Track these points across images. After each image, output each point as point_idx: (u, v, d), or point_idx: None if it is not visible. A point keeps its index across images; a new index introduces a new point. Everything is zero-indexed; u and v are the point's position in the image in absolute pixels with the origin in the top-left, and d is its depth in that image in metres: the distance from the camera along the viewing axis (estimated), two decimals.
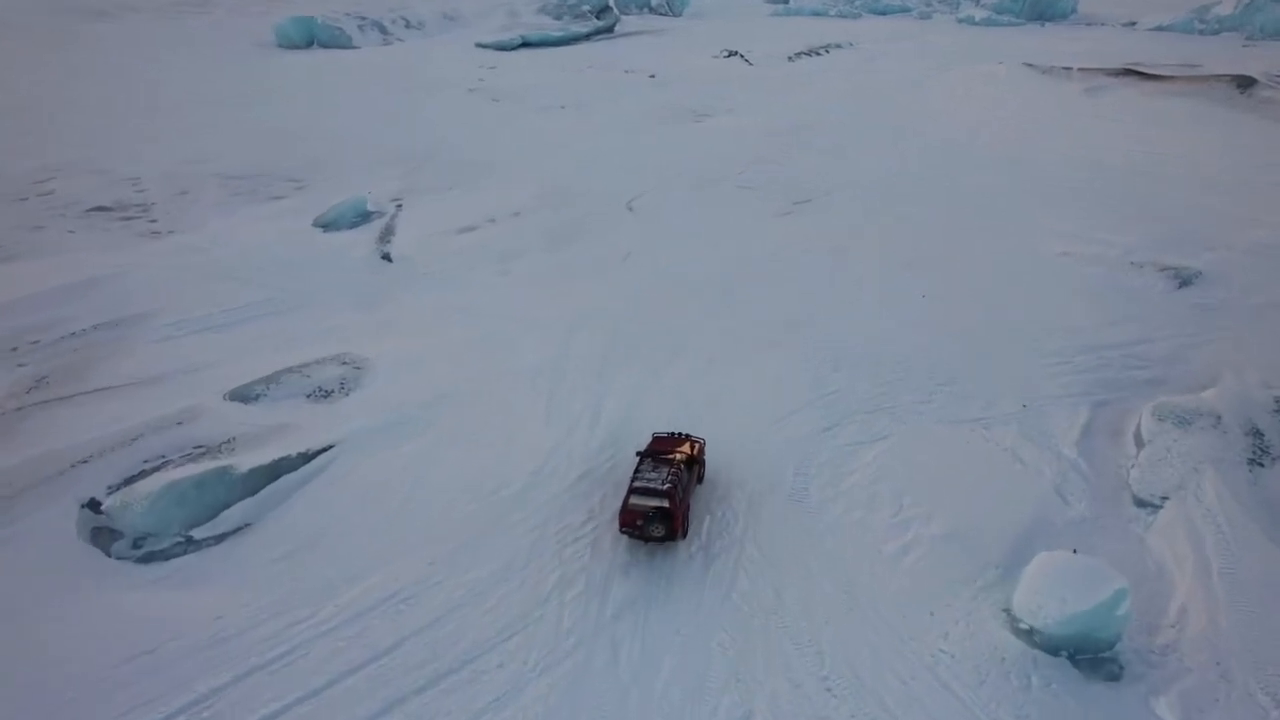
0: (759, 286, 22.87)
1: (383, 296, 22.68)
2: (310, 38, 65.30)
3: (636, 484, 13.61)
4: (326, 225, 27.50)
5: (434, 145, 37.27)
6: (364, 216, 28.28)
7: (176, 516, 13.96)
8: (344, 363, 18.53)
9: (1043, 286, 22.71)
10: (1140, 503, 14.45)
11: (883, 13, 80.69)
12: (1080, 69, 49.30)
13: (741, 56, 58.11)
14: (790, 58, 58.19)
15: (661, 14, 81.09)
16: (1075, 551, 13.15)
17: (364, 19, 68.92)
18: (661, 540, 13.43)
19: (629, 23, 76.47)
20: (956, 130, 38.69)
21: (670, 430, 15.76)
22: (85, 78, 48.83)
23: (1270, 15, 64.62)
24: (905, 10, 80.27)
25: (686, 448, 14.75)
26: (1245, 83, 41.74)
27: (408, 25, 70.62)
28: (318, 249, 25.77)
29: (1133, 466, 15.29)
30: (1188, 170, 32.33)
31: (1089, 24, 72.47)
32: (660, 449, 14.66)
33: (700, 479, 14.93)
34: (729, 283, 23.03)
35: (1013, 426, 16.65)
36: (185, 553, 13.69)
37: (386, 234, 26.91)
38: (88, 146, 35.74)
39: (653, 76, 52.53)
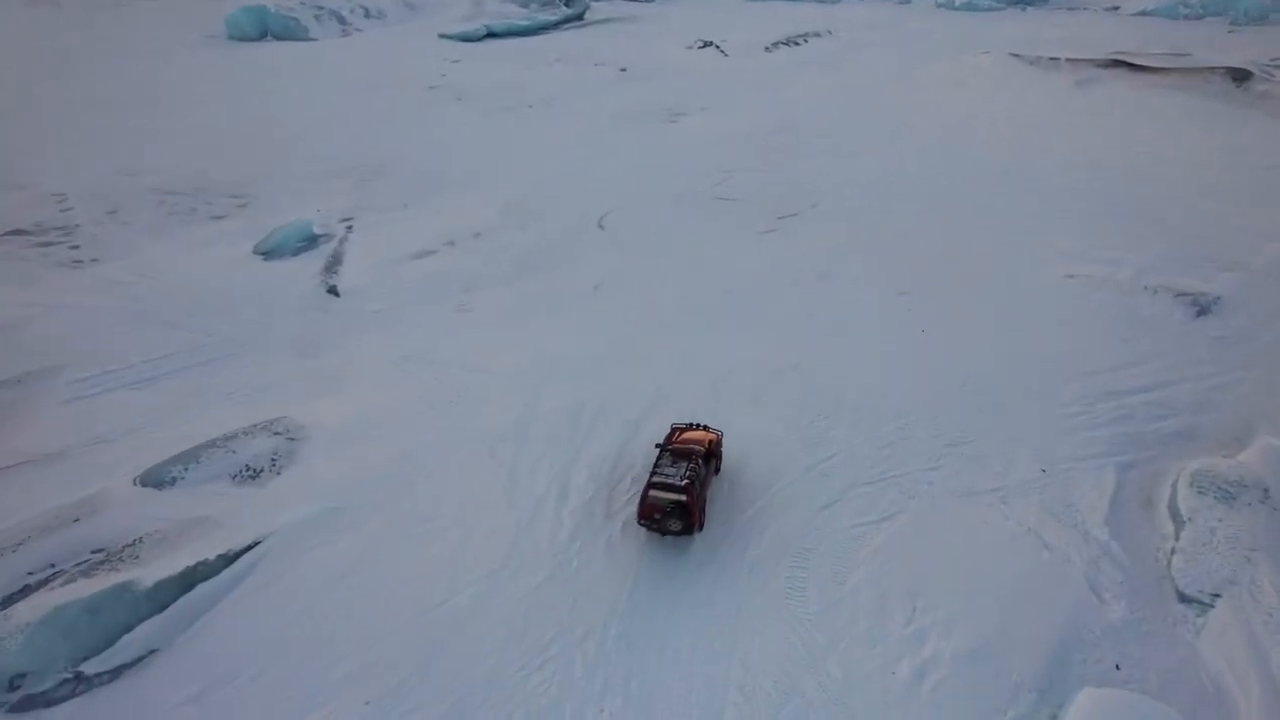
0: (741, 322, 20.79)
1: (326, 341, 20.34)
2: (263, 29, 62.01)
3: (655, 478, 13.83)
4: (269, 252, 25.01)
5: (391, 153, 34.72)
6: (310, 241, 25.82)
7: (62, 649, 11.72)
8: (276, 432, 16.23)
9: (1051, 318, 20.84)
10: (1186, 599, 12.65)
11: None
12: (1068, 59, 47.50)
13: (716, 47, 55.72)
14: (767, 48, 55.87)
15: (633, 0, 78.22)
16: (1118, 668, 11.37)
17: (321, 8, 65.63)
18: (679, 534, 13.63)
19: (599, 9, 73.65)
20: (945, 130, 36.72)
21: (689, 421, 16.06)
22: (10, 72, 45.52)
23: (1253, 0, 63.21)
24: None
25: (704, 440, 14.84)
26: (1240, 75, 40.14)
27: (368, 14, 67.39)
28: (257, 282, 23.31)
29: (1173, 551, 13.49)
30: (1191, 173, 30.62)
31: (1071, 8, 70.72)
32: (679, 442, 14.78)
33: (717, 470, 15.20)
34: (708, 319, 20.93)
35: (1033, 498, 14.78)
36: (73, 694, 11.47)
37: (334, 262, 24.49)
38: (8, 155, 32.81)
39: (624, 70, 50.04)
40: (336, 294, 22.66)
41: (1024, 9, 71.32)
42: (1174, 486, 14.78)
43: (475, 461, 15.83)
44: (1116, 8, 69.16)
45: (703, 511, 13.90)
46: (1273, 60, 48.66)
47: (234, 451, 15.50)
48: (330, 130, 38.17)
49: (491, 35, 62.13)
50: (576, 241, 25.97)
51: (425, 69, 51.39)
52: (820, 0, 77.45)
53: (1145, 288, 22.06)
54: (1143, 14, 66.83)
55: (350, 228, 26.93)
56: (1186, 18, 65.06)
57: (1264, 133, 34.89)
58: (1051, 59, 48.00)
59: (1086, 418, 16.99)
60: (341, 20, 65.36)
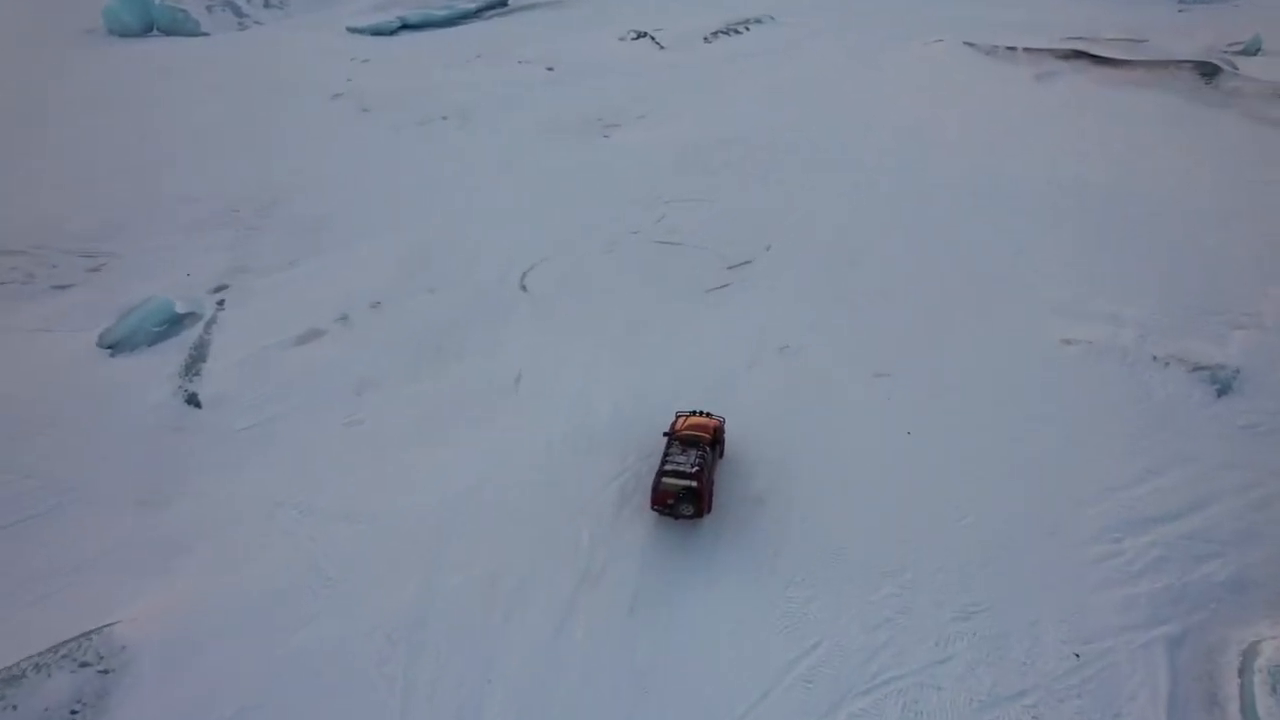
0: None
1: (178, 481, 16.20)
2: (148, 22, 55.46)
3: (667, 466, 14.55)
4: (117, 344, 20.49)
5: (284, 184, 30.02)
6: (171, 324, 21.34)
7: None
8: (84, 662, 12.18)
9: (1053, 405, 17.78)
10: None
11: None
12: (1026, 49, 44.60)
13: (652, 38, 51.40)
14: (706, 38, 51.71)
15: None
16: None
17: None
18: (690, 518, 14.36)
19: None
20: (906, 139, 33.35)
21: (692, 409, 16.78)
22: None
23: None
24: None
25: (709, 426, 15.57)
26: (1208, 70, 37.67)
27: (267, 4, 61.07)
28: (98, 390, 18.89)
29: None
30: (1175, 192, 27.87)
31: None
32: (686, 429, 15.48)
33: (721, 454, 15.93)
34: (651, 424, 17.30)
35: (1071, 705, 11.66)
36: None
37: (197, 357, 20.11)
38: None
39: (551, 70, 45.49)
40: (198, 404, 18.40)
41: None
42: (1244, 680, 11.80)
43: (358, 684, 12.05)
44: None
45: (711, 495, 14.66)
46: (1229, 45, 46.70)
47: (15, 707, 11.41)
48: (214, 155, 33.14)
49: (406, 27, 56.62)
50: (495, 309, 22.00)
51: (330, 71, 46.05)
52: None
53: (1154, 358, 19.13)
54: None
55: (222, 302, 22.45)
56: None
57: (1241, 138, 32.39)
58: (1009, 48, 45.07)
59: (1117, 564, 13.94)
60: (238, 12, 59.04)
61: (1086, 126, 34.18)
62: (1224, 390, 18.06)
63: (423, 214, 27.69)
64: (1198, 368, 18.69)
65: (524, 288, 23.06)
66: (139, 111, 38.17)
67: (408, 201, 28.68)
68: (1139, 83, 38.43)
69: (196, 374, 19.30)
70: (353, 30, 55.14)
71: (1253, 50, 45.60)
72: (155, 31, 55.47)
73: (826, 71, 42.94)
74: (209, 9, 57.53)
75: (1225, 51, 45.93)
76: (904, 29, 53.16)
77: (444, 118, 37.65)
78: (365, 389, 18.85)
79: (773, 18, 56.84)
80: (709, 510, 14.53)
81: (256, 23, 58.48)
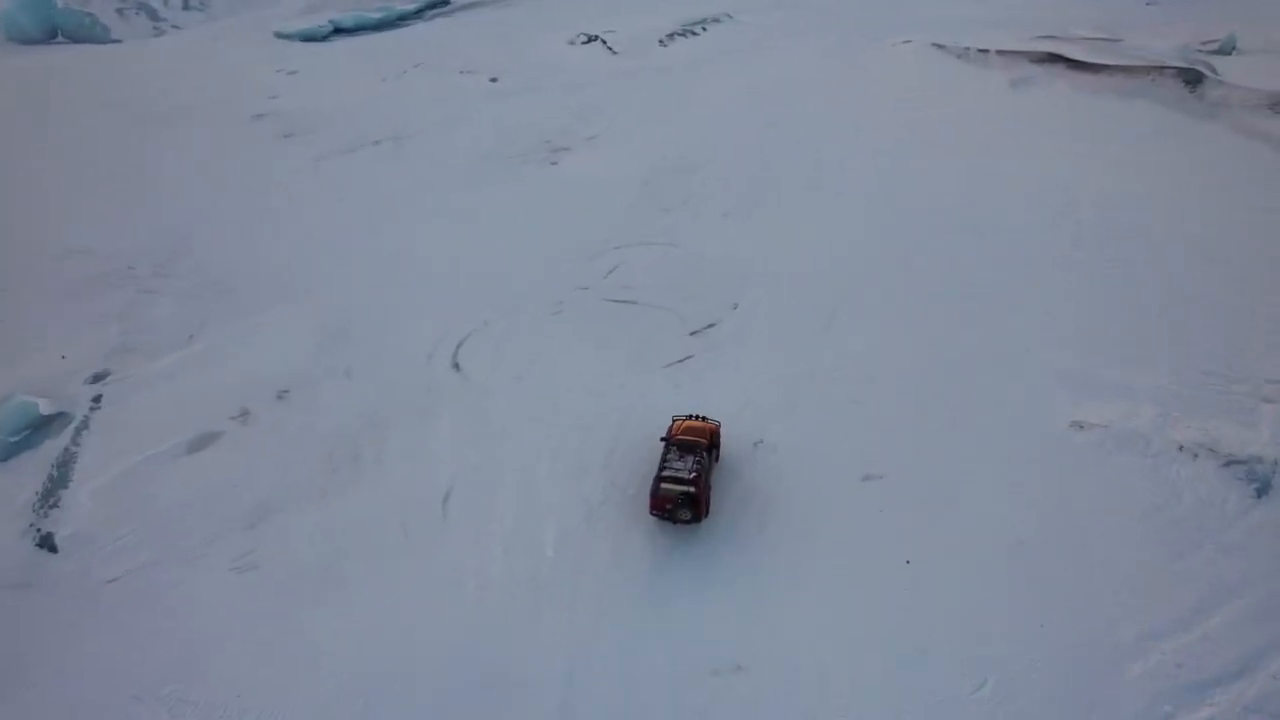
0: (654, 559, 14.47)
1: (20, 664, 12.99)
2: (50, 27, 50.70)
3: (665, 472, 14.62)
4: None
5: (186, 236, 26.49)
6: (34, 430, 17.95)
7: None
8: None
9: (1071, 518, 15.30)
10: None
11: None
12: (998, 52, 42.15)
13: (603, 42, 48.06)
14: (661, 41, 48.50)
15: None
16: None
17: (126, 0, 54.49)
18: (688, 523, 14.42)
19: None
20: (881, 160, 30.67)
21: (688, 414, 16.72)
22: None
23: None
24: None
25: (706, 431, 15.69)
26: (1192, 77, 35.56)
27: (186, 6, 56.57)
28: None
29: None
30: (1174, 223, 25.58)
31: None
32: (682, 434, 15.58)
33: (717, 459, 15.94)
34: (611, 569, 14.48)
35: None
36: None
37: (60, 476, 16.80)
38: None
39: (494, 80, 42.06)
40: (52, 548, 15.13)
41: None
42: None
43: None
44: None
45: (708, 499, 14.82)
46: (1204, 44, 44.85)
47: None
48: (111, 193, 29.37)
49: (339, 31, 52.54)
50: (422, 398, 18.95)
51: (252, 85, 42.06)
52: None
53: (1181, 448, 16.73)
54: None
55: (99, 398, 19.05)
56: None
57: (1235, 157, 30.27)
58: (980, 51, 42.58)
59: None
60: (153, 15, 54.52)
61: (1069, 143, 31.81)
62: (1263, 489, 15.74)
63: (344, 269, 24.42)
64: (1231, 461, 16.33)
65: (456, 366, 20.00)
66: (23, 138, 34.07)
67: (328, 254, 25.35)
68: (1119, 90, 36.22)
69: (54, 504, 16.02)
70: (281, 36, 50.96)
71: (1228, 49, 43.78)
72: (60, 38, 50.79)
73: (789, 81, 40.06)
74: (120, 12, 53.09)
75: (1200, 50, 44.09)
76: (869, 27, 50.54)
77: (375, 143, 34.15)
78: (262, 516, 15.74)
79: (730, 16, 53.81)
80: (707, 514, 14.87)
81: (175, 27, 54.11)
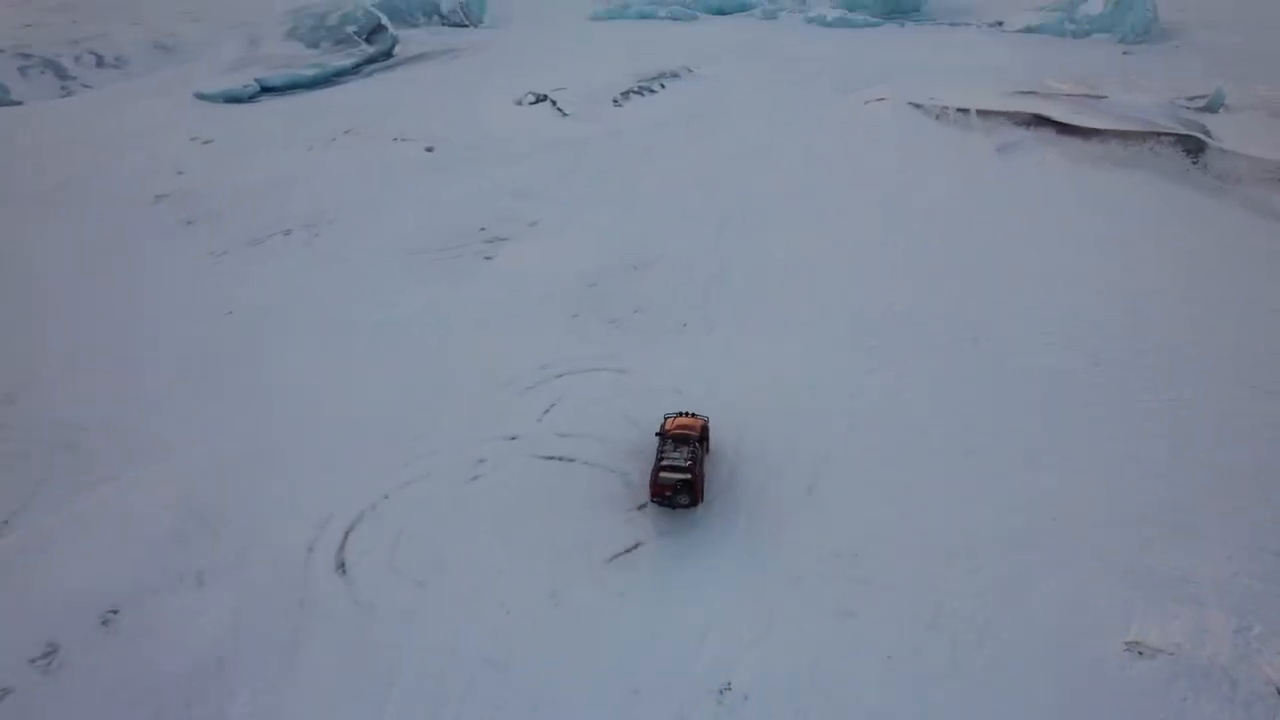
0: None
1: None
2: None
3: (664, 461, 15.85)
4: None
5: (29, 368, 21.95)
6: None
7: None
8: None
9: None
10: None
11: (720, 11, 68.63)
12: (979, 112, 39.12)
13: (553, 103, 44.35)
14: (616, 100, 44.94)
15: (456, 25, 65.43)
16: None
17: (30, 57, 50.01)
18: (686, 507, 15.86)
19: (413, 40, 60.49)
20: (858, 257, 27.04)
21: (679, 410, 18.19)
22: None
23: (1140, 14, 57.63)
24: (746, 8, 68.53)
25: (696, 425, 16.93)
26: (1193, 146, 32.57)
27: (100, 64, 52.13)
28: None
29: None
30: (1200, 334, 22.12)
31: (952, 23, 63.32)
32: (676, 428, 16.76)
33: (708, 450, 17.34)
34: None
35: None
36: None
37: None
38: None
39: (430, 150, 38.06)
40: None
41: (901, 24, 63.40)
42: None
43: None
44: (1000, 23, 62.17)
45: (703, 486, 16.10)
46: (1191, 100, 42.37)
47: None
48: None
49: (268, 90, 48.36)
50: (291, 622, 14.57)
51: (160, 157, 37.70)
52: (676, 18, 67.02)
53: (1268, 680, 12.84)
54: (1028, 31, 60.08)
55: None
56: (1074, 35, 58.80)
57: (1253, 241, 27.08)
58: (960, 110, 39.51)
59: None
60: (61, 73, 49.92)
61: (1068, 224, 28.49)
62: None
63: (222, 412, 20.04)
64: None
65: (342, 566, 15.64)
66: None
67: (206, 390, 20.96)
68: (1116, 160, 33.12)
69: None
70: (201, 97, 46.65)
71: (1216, 106, 41.32)
72: None
73: (752, 151, 36.56)
74: (22, 71, 48.47)
75: (1188, 107, 41.60)
76: (836, 80, 47.56)
77: (286, 232, 29.87)
78: None
79: (690, 70, 50.60)
80: (701, 500, 16.12)
81: (85, 86, 49.57)
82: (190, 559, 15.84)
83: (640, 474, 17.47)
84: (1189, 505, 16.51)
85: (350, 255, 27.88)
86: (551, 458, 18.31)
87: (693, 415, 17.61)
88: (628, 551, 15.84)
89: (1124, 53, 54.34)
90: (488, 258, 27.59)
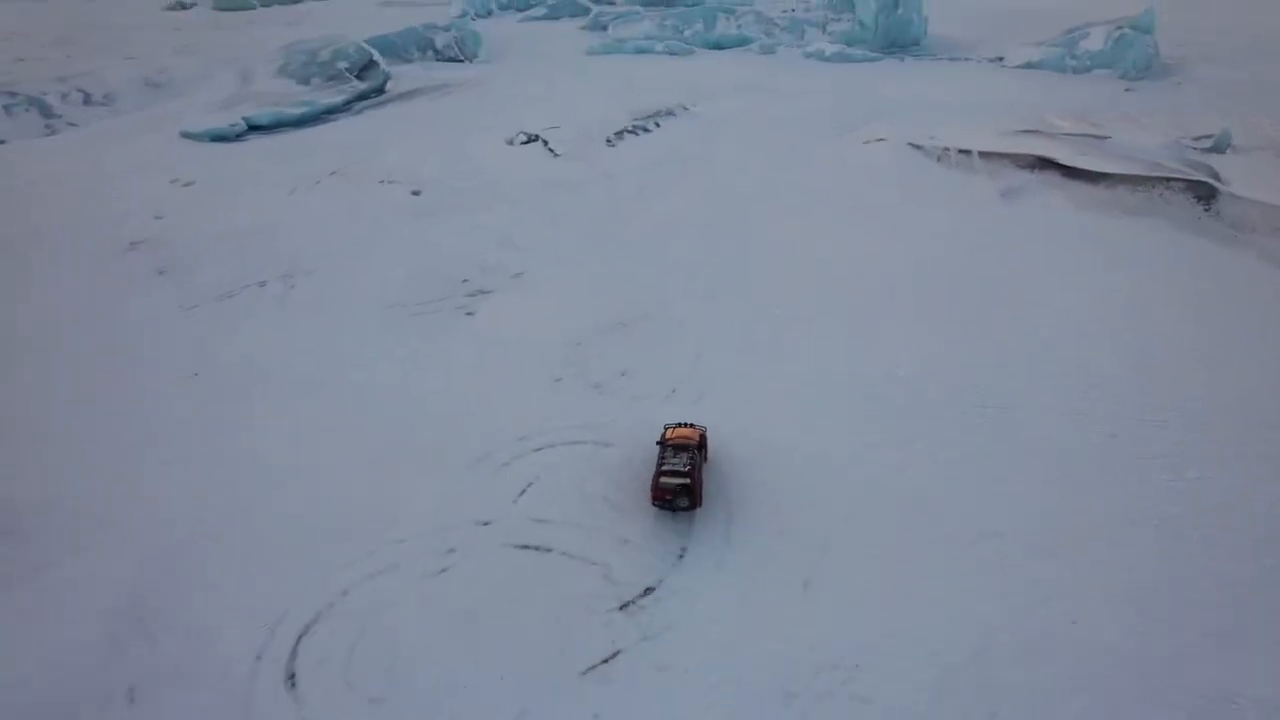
0: None
1: None
2: None
3: (665, 467, 16.94)
4: None
5: None
6: None
7: None
8: None
9: None
10: None
11: (718, 46, 68.06)
12: (981, 154, 38.06)
13: (544, 143, 43.40)
14: (610, 140, 43.99)
15: (450, 59, 64.86)
16: None
17: (15, 95, 49.18)
18: (685, 509, 16.85)
19: (406, 76, 59.90)
20: (858, 316, 25.77)
21: (679, 421, 19.32)
22: None
23: (1141, 51, 56.86)
24: (744, 42, 67.94)
25: (694, 435, 17.91)
26: (1205, 192, 31.40)
27: (88, 101, 51.37)
28: None
29: None
30: (1217, 393, 20.72)
31: (952, 59, 62.66)
32: (675, 437, 17.79)
33: (705, 458, 18.30)
34: None
35: None
36: None
37: None
38: None
39: (416, 194, 37.00)
40: None
41: (901, 59, 62.72)
42: None
43: None
44: (1000, 59, 61.47)
45: (700, 490, 16.99)
46: (1196, 139, 41.23)
47: None
48: None
49: (255, 129, 47.50)
50: None
51: (138, 200, 36.68)
52: (672, 53, 66.43)
53: None
54: (1029, 66, 59.34)
55: None
56: (1075, 70, 58.00)
57: (1272, 295, 25.76)
58: (961, 152, 38.46)
59: None
60: (46, 111, 49.11)
61: (1079, 277, 27.22)
62: None
63: (175, 492, 18.63)
64: None
65: (292, 680, 14.15)
66: None
67: (161, 466, 19.55)
68: (1125, 207, 31.93)
69: None
70: (187, 136, 45.74)
71: (1222, 147, 40.14)
72: None
73: (748, 196, 35.46)
74: (7, 109, 47.57)
75: (1194, 148, 40.47)
76: (835, 118, 46.69)
77: (261, 284, 28.66)
78: None
79: (686, 108, 49.77)
80: (700, 504, 16.98)
81: (70, 124, 48.75)
82: (122, 670, 14.37)
83: (622, 565, 16.04)
84: (1226, 608, 15.03)
85: (326, 310, 26.61)
86: (526, 546, 16.87)
87: (691, 426, 18.51)
88: (605, 662, 14.36)
89: (1126, 89, 53.48)
90: (469, 313, 26.31)
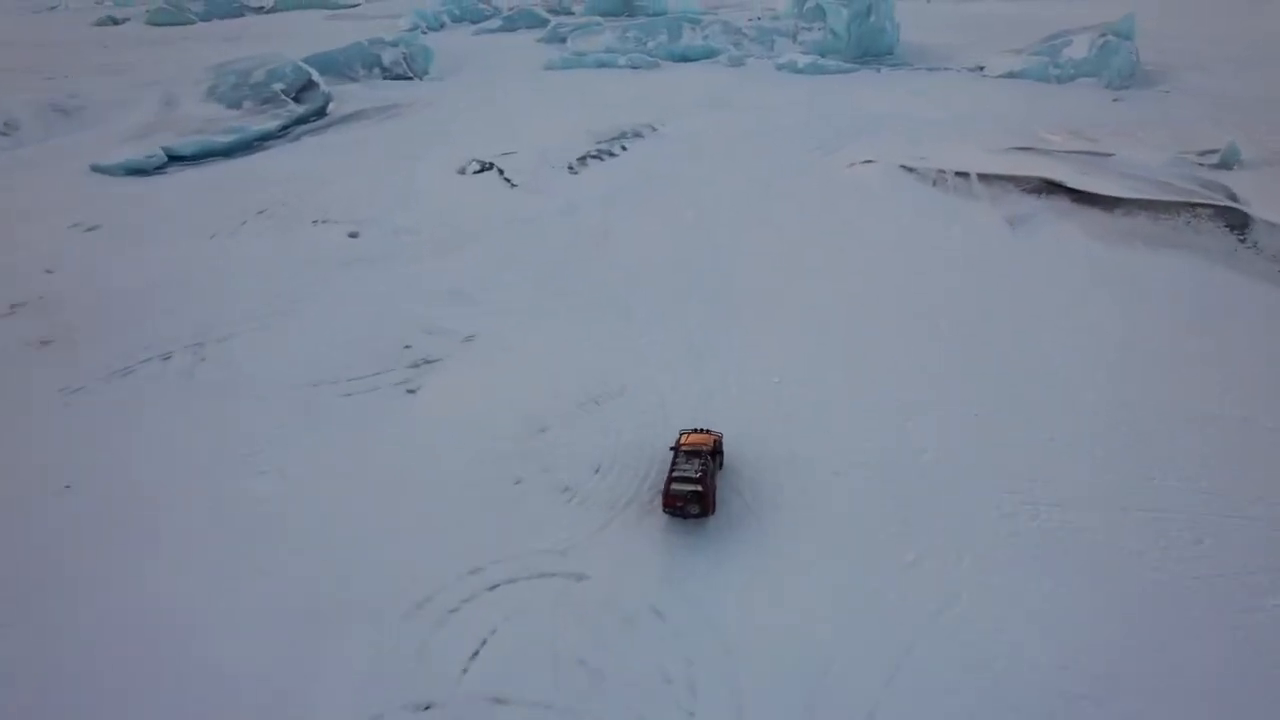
0: None
1: None
2: None
3: (675, 474, 16.50)
4: None
5: None
6: None
7: None
8: None
9: None
10: None
11: (684, 58, 64.49)
12: (980, 176, 34.86)
13: (500, 172, 39.30)
14: (572, 166, 40.04)
15: (398, 77, 60.42)
16: None
17: None
18: (697, 517, 16.34)
19: (350, 97, 55.38)
20: (866, 383, 22.12)
21: (694, 426, 18.81)
22: None
23: (1124, 58, 54.47)
24: (712, 54, 64.46)
25: (709, 441, 17.38)
26: (1237, 221, 28.36)
27: None
28: None
29: None
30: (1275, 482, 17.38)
31: (931, 69, 59.78)
32: (688, 443, 17.32)
33: (720, 465, 17.76)
34: None
35: None
36: None
37: None
38: None
39: (354, 236, 32.68)
40: None
41: (877, 69, 59.72)
42: None
43: None
44: (981, 68, 58.74)
45: (714, 497, 16.56)
46: (1202, 155, 38.61)
47: None
48: None
49: (176, 160, 42.69)
50: None
51: (27, 249, 31.90)
52: (636, 67, 62.69)
53: None
54: (1010, 76, 56.66)
55: None
56: (1058, 80, 55.46)
57: None
58: (958, 174, 35.22)
59: None
60: None
61: (1100, 324, 23.90)
62: None
63: (27, 664, 14.24)
64: None
65: None
66: None
67: (8, 626, 15.11)
68: (1146, 237, 28.78)
69: None
70: (98, 170, 40.83)
71: (1230, 162, 37.52)
72: None
73: (729, 230, 31.72)
74: None
75: (1201, 164, 37.79)
76: (814, 136, 43.30)
77: (165, 356, 24.19)
78: None
79: (654, 128, 46.02)
80: (713, 511, 16.47)
81: None
82: None
83: None
84: None
85: (238, 392, 22.23)
86: None
87: (706, 431, 18.12)
88: None
89: (1114, 99, 50.91)
90: (410, 390, 22.12)
